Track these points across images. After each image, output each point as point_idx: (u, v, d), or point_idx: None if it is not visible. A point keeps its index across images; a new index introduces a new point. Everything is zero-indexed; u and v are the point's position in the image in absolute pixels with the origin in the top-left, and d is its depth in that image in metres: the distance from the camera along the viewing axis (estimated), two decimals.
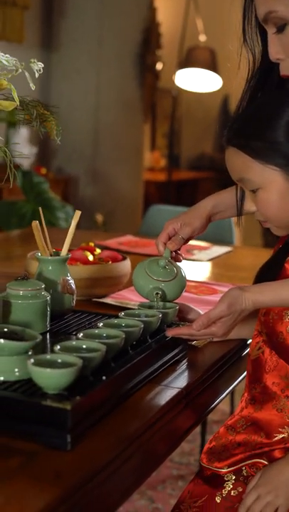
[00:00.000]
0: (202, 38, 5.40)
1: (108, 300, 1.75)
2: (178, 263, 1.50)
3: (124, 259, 1.85)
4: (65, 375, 1.00)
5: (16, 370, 1.07)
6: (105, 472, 0.96)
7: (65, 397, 1.00)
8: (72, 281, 1.43)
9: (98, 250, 1.91)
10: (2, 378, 1.06)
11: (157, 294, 1.38)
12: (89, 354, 1.07)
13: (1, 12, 4.31)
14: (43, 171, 4.77)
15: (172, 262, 1.47)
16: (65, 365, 1.02)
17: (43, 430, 0.98)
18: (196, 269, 2.27)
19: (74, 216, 1.45)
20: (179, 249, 1.52)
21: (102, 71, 5.17)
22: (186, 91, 5.66)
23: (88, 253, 1.85)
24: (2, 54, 1.26)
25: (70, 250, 1.84)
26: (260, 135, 1.28)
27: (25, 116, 1.49)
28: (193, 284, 1.97)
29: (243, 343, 1.51)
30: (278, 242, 1.44)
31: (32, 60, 1.33)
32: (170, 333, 1.32)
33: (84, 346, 1.11)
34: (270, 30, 1.22)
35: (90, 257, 1.83)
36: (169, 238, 1.51)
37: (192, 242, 2.66)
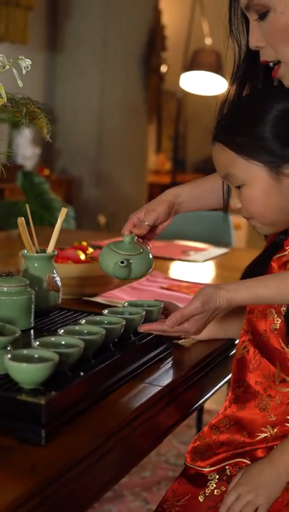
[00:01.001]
0: (208, 40, 5.41)
1: (98, 299, 1.75)
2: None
3: None
4: (41, 370, 1.00)
5: None
6: (81, 466, 0.96)
7: (40, 392, 1.00)
8: (58, 279, 1.43)
9: (90, 249, 1.91)
10: None
11: (122, 262, 1.35)
12: (66, 350, 1.07)
13: (4, 13, 4.32)
14: (46, 172, 4.79)
15: (138, 242, 1.44)
16: (41, 360, 1.03)
17: (18, 425, 0.98)
18: (191, 269, 2.27)
19: (60, 213, 1.45)
20: (147, 240, 1.51)
21: (106, 73, 5.18)
22: (192, 94, 5.66)
23: (80, 252, 1.85)
24: None
25: (62, 249, 1.85)
26: (246, 131, 1.28)
27: (15, 113, 1.48)
28: (185, 284, 1.97)
29: (229, 343, 1.50)
30: (267, 242, 1.44)
31: (20, 57, 1.34)
32: (142, 328, 1.30)
33: (63, 342, 1.11)
34: (252, 18, 1.22)
35: (82, 256, 1.83)
36: (134, 227, 1.49)
37: (189, 244, 2.69)
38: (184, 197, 1.53)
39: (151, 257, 1.43)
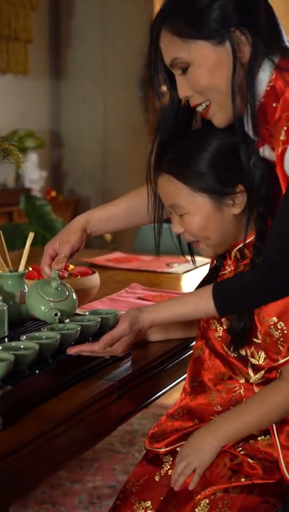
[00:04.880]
0: None
1: (77, 310, 1.95)
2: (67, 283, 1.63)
3: (93, 273, 2.06)
4: None
5: None
6: (32, 446, 1.16)
7: None
8: None
9: (72, 266, 2.12)
10: None
11: (56, 314, 1.48)
12: (23, 352, 1.28)
13: (4, 47, 4.58)
14: (53, 193, 5.02)
15: (63, 283, 1.59)
16: (0, 361, 1.24)
17: None
18: (170, 281, 2.47)
19: (28, 237, 1.66)
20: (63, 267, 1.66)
21: (108, 97, 5.43)
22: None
23: None
24: None
25: None
26: (190, 164, 1.44)
27: None
28: (159, 294, 2.17)
29: (185, 345, 1.70)
30: (211, 261, 1.63)
31: None
32: (71, 351, 1.40)
33: (22, 346, 1.32)
34: (177, 72, 1.42)
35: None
36: (52, 259, 1.65)
37: (176, 257, 2.88)
38: (94, 221, 1.70)
39: (75, 297, 1.57)
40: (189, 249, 1.61)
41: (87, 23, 5.51)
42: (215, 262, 1.59)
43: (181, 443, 1.51)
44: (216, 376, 1.53)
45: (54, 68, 5.60)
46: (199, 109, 1.44)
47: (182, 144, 1.50)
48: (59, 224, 3.72)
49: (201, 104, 1.43)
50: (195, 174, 1.44)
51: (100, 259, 2.78)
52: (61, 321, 1.50)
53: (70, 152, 5.61)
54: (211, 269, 1.60)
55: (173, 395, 3.47)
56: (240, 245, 1.49)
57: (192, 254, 1.63)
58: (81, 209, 5.42)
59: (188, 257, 1.64)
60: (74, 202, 5.33)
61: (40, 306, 1.52)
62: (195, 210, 1.45)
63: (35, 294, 1.53)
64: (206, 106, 1.42)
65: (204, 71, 1.37)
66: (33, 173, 4.91)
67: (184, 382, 1.61)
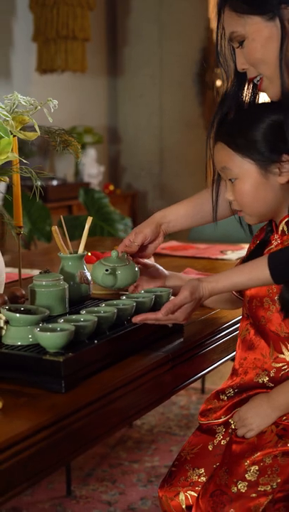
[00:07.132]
0: None
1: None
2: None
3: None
4: (60, 337, 1.32)
5: (30, 336, 1.40)
6: (90, 408, 1.27)
7: (61, 354, 1.32)
8: (88, 273, 1.76)
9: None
10: (19, 343, 1.40)
11: (107, 270, 1.59)
12: (83, 323, 1.39)
13: (63, 46, 4.74)
14: (111, 187, 5.16)
15: (127, 258, 1.68)
16: (62, 330, 1.35)
17: (45, 378, 1.30)
18: (224, 267, 2.55)
19: (87, 221, 1.77)
20: (140, 258, 1.77)
21: (164, 92, 5.54)
22: None
23: None
24: (21, 96, 1.61)
25: (103, 252, 2.19)
26: (243, 134, 1.55)
27: (52, 142, 1.81)
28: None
29: (234, 324, 1.78)
30: (254, 237, 1.71)
31: (49, 99, 1.67)
32: (136, 319, 1.49)
33: (82, 319, 1.44)
34: (235, 46, 1.55)
35: None
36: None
37: (229, 244, 2.97)
38: (171, 217, 1.79)
39: (136, 269, 1.66)
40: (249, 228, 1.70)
41: (143, 21, 5.63)
42: (259, 240, 1.67)
43: (236, 410, 1.60)
44: (262, 357, 1.60)
45: (111, 66, 5.73)
46: (255, 80, 1.55)
47: (237, 117, 1.60)
48: (117, 216, 3.85)
49: (256, 77, 1.55)
50: (246, 142, 1.54)
51: None
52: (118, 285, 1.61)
53: (127, 147, 5.75)
54: (257, 245, 1.67)
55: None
56: (288, 218, 1.57)
57: (251, 231, 1.73)
58: (139, 202, 5.54)
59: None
60: (131, 196, 5.46)
61: (99, 271, 1.62)
62: (243, 175, 1.55)
63: (98, 265, 1.65)
64: (260, 78, 1.54)
65: (257, 44, 1.50)
66: (92, 168, 5.06)
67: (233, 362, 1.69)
